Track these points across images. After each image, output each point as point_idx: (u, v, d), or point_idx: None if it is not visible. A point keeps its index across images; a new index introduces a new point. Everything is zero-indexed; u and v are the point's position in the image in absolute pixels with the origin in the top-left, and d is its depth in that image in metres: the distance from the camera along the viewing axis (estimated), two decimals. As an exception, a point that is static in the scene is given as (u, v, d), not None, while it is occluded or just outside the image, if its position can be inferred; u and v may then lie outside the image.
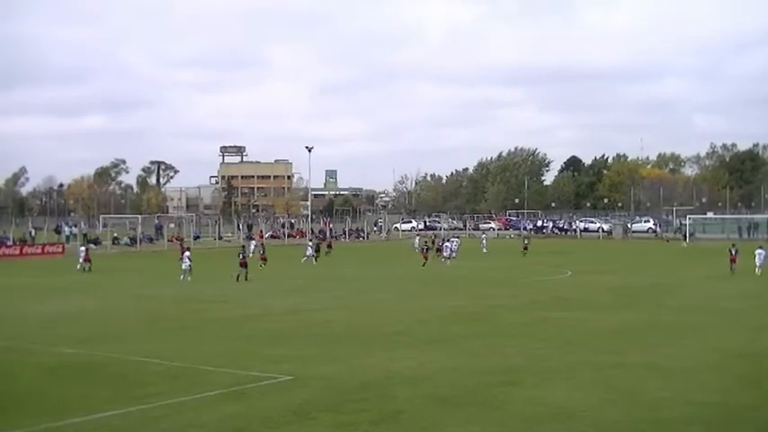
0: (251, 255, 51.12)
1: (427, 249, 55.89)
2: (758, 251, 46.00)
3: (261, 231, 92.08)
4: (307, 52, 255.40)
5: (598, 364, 19.41)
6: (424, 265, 51.28)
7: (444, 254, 55.67)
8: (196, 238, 79.32)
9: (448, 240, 59.64)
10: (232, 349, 21.71)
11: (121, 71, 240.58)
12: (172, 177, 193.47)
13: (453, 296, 35.01)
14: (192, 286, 39.50)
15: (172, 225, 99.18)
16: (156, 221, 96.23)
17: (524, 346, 22.17)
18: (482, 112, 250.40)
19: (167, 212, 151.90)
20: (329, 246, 63.54)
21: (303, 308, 31.07)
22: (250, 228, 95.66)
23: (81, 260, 49.93)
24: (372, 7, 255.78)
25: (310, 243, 59.72)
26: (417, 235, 78.96)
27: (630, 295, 35.25)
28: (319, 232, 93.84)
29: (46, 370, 19.09)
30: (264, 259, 51.29)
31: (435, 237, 71.90)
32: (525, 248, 63.45)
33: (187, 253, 43.61)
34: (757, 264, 44.93)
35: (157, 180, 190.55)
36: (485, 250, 66.94)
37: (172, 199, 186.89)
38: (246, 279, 41.76)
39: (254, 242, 61.22)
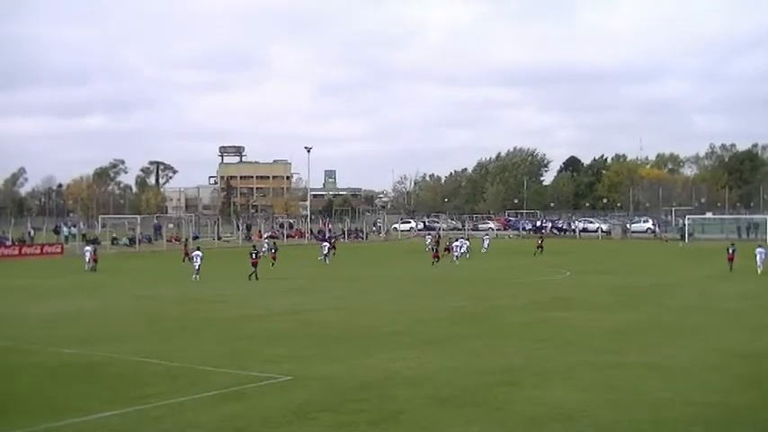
0: (263, 254, 51.49)
1: (436, 249, 56.00)
2: (758, 250, 46.01)
3: (259, 232, 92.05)
4: (307, 52, 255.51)
5: (598, 364, 19.39)
6: (433, 264, 52.00)
7: (454, 253, 55.80)
8: (195, 238, 79.08)
9: (457, 240, 59.74)
10: (232, 349, 21.68)
11: (122, 72, 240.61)
12: (171, 178, 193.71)
13: (453, 296, 34.97)
14: (192, 286, 39.53)
15: (171, 225, 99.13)
16: (155, 222, 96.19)
17: (524, 346, 22.13)
18: (481, 113, 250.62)
19: (166, 213, 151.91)
20: (333, 246, 63.51)
21: (303, 308, 31.04)
22: (249, 228, 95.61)
23: (88, 260, 50.07)
24: (372, 7, 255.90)
25: (326, 243, 60.26)
26: (428, 235, 78.99)
27: (630, 295, 35.22)
28: (318, 232, 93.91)
29: (46, 370, 19.06)
30: (274, 258, 51.89)
31: (439, 236, 71.97)
32: (539, 247, 63.48)
33: (198, 253, 43.71)
34: (758, 263, 44.90)
35: (156, 180, 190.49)
36: (483, 250, 66.97)
37: (171, 199, 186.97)
38: (252, 279, 42.05)
39: (266, 242, 61.24)
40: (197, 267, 42.50)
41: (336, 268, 51.72)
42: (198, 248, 46.00)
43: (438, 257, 53.88)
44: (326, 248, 57.80)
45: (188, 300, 33.91)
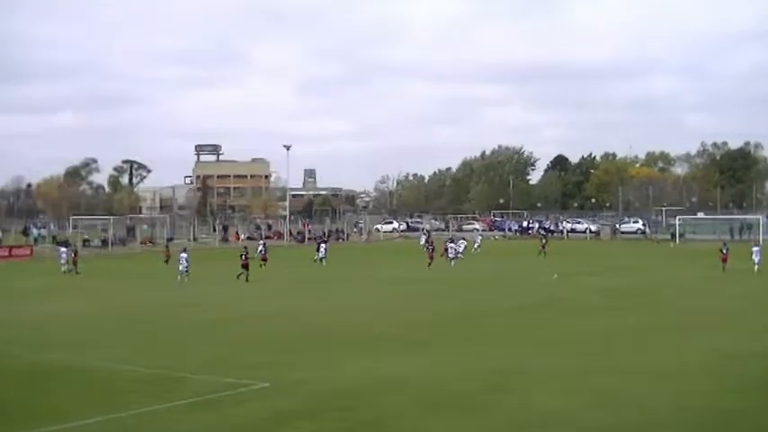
0: (256, 256, 50.96)
1: (432, 249, 54.99)
2: (754, 248, 45.96)
3: (237, 233, 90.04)
4: (290, 49, 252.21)
5: (586, 367, 19.13)
6: (429, 266, 51.27)
7: (450, 254, 54.80)
8: (170, 239, 76.85)
9: (452, 241, 58.70)
10: (209, 355, 21.32)
11: (100, 69, 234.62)
12: (145, 177, 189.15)
13: (439, 299, 34.58)
14: (169, 290, 38.81)
15: (145, 226, 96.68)
16: (129, 222, 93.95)
17: (511, 349, 21.91)
18: (467, 110, 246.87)
19: (140, 213, 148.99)
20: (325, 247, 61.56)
21: (284, 311, 30.57)
22: (226, 229, 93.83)
23: (65, 262, 49.26)
24: (358, 3, 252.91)
25: (324, 244, 59.18)
26: (422, 234, 77.89)
27: (619, 297, 34.86)
28: (297, 233, 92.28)
29: (21, 377, 18.73)
30: (265, 260, 51.39)
31: (431, 236, 70.70)
32: (543, 248, 62.21)
33: (184, 254, 43.20)
34: (755, 261, 44.55)
35: (130, 180, 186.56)
36: (475, 249, 66.41)
37: (145, 199, 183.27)
38: (240, 278, 41.71)
39: (261, 242, 59.58)
40: (185, 269, 42.08)
41: (318, 270, 51.18)
42: (185, 250, 45.31)
43: (432, 259, 52.70)
44: (324, 250, 56.49)
45: (165, 303, 33.28)
